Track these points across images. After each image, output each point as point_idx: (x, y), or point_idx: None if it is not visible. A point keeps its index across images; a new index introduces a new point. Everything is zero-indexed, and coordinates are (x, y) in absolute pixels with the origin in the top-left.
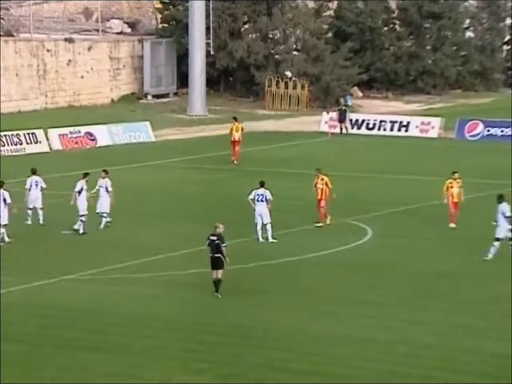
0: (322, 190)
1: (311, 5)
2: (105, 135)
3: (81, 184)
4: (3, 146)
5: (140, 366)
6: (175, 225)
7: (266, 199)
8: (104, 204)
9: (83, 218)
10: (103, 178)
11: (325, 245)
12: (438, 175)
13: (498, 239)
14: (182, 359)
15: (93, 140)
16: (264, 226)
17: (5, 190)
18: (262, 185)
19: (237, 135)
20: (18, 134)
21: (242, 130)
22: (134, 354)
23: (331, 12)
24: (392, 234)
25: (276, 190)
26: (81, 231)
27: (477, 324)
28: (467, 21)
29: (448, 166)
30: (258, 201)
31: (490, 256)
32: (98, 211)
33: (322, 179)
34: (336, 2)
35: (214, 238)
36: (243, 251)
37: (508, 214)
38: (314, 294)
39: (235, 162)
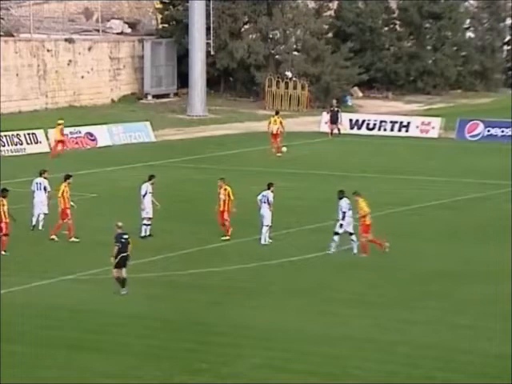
0: (224, 201)
1: (311, 5)
2: (105, 135)
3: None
4: (3, 146)
5: (140, 366)
6: (175, 225)
7: (267, 201)
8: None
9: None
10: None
11: (324, 244)
12: (438, 175)
13: (336, 233)
14: (182, 359)
15: (93, 140)
16: (263, 226)
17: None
18: (268, 186)
19: (274, 128)
20: (18, 135)
21: (281, 123)
22: (134, 354)
23: (331, 12)
24: (392, 233)
25: (276, 190)
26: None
27: (477, 324)
28: (467, 21)
29: (448, 166)
30: (262, 202)
31: (332, 250)
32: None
33: (225, 189)
34: (336, 2)
35: (126, 236)
36: (243, 251)
37: (344, 209)
38: (314, 294)
39: (277, 154)
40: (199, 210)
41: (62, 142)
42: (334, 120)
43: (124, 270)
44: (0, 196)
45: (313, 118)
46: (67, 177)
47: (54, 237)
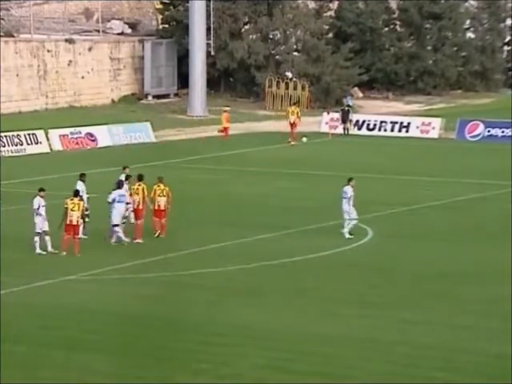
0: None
1: (312, 5)
2: (105, 136)
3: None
4: (4, 146)
5: (140, 366)
6: (175, 225)
7: (347, 196)
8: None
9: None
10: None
11: (325, 245)
12: (438, 176)
13: (115, 225)
14: (182, 359)
15: (93, 141)
16: (345, 220)
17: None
18: (348, 181)
19: (292, 118)
20: (18, 135)
21: (298, 114)
22: (134, 354)
23: (332, 12)
24: (392, 234)
25: (276, 191)
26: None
27: (477, 324)
28: (468, 21)
29: (448, 166)
30: (342, 197)
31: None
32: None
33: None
34: (336, 3)
35: None
36: (244, 251)
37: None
38: (314, 294)
39: (291, 143)
40: (199, 210)
41: (226, 128)
42: (344, 119)
43: None
44: (75, 197)
45: (313, 119)
46: (140, 178)
47: (144, 239)
